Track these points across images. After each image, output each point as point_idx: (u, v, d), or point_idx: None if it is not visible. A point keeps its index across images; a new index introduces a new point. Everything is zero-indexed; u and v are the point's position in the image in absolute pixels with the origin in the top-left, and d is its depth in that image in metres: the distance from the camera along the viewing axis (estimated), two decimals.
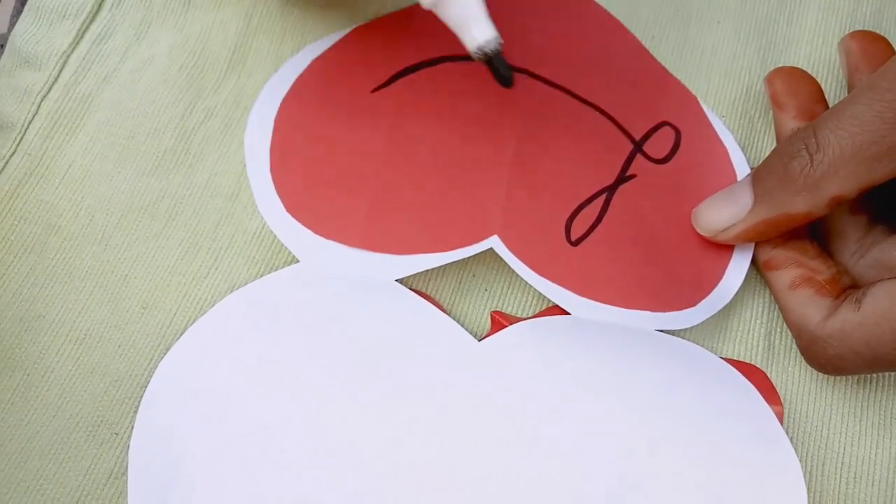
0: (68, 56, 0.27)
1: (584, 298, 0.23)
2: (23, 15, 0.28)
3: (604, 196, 0.25)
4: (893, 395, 0.24)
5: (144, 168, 0.26)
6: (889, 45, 0.25)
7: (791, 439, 0.22)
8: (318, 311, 0.23)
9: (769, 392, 0.23)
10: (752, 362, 0.24)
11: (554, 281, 0.23)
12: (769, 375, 0.23)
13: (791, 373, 0.24)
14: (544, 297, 0.24)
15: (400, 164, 0.24)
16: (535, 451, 0.21)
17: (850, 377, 0.24)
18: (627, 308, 0.23)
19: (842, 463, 0.23)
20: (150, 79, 0.27)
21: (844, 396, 0.23)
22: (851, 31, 0.27)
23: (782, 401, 0.23)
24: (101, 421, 0.23)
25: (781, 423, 0.22)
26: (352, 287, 0.23)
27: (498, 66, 0.22)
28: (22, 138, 0.26)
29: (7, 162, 0.26)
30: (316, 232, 0.23)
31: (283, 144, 0.24)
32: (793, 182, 0.21)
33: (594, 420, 0.22)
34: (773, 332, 0.24)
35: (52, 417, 0.23)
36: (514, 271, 0.24)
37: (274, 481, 0.21)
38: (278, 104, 0.25)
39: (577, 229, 0.24)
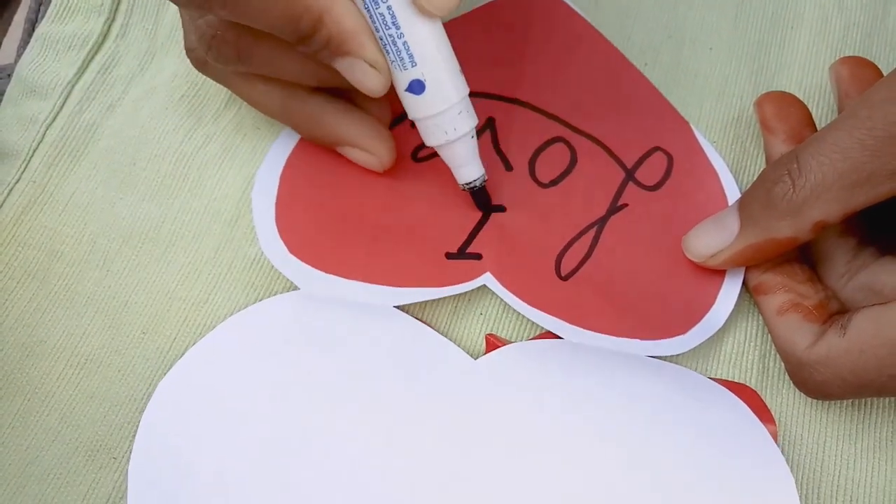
0: (73, 85, 0.28)
1: (576, 327, 0.24)
2: (29, 45, 0.29)
3: (594, 230, 0.25)
4: (888, 417, 0.23)
5: (145, 194, 0.26)
6: (878, 70, 0.26)
7: (786, 462, 0.22)
8: (316, 333, 0.23)
9: (762, 411, 0.23)
10: (747, 385, 0.24)
11: (546, 312, 0.24)
12: (764, 398, 0.23)
13: (786, 396, 0.24)
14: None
15: (398, 207, 0.25)
16: (530, 468, 0.21)
17: (845, 400, 0.24)
18: (619, 336, 0.23)
19: (838, 486, 0.23)
20: (153, 107, 0.27)
21: (840, 419, 0.23)
22: (842, 56, 0.27)
23: (777, 423, 0.23)
24: (100, 446, 0.23)
25: (775, 441, 0.22)
26: (349, 310, 0.23)
27: (480, 199, 0.25)
28: (27, 166, 0.26)
29: (11, 189, 0.26)
30: (316, 267, 0.24)
31: (288, 194, 0.25)
32: (776, 207, 0.22)
33: (588, 440, 0.22)
34: (767, 356, 0.24)
35: (52, 442, 0.23)
36: None
37: (273, 503, 0.21)
38: (285, 159, 0.26)
39: (568, 264, 0.25)
